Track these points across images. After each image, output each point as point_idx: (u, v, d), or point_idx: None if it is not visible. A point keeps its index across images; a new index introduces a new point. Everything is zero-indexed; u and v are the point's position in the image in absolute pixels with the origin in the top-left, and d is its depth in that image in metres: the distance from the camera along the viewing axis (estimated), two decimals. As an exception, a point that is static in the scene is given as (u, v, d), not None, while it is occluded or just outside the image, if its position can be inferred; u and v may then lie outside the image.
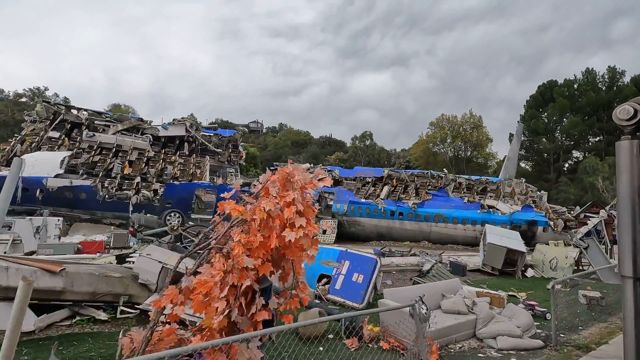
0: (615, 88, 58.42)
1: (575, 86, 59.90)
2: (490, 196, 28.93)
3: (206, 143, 27.20)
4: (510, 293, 10.30)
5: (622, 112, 1.95)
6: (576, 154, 64.68)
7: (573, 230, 16.10)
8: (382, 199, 28.19)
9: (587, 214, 16.06)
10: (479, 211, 25.35)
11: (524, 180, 30.12)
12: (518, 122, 63.20)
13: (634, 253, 1.90)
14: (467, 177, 31.18)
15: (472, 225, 25.25)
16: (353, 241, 29.49)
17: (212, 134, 27.78)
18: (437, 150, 79.49)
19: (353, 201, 28.32)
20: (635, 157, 1.91)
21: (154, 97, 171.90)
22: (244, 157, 28.41)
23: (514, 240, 13.84)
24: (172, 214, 21.71)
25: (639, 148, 1.91)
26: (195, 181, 23.06)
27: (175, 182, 22.36)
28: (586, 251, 14.80)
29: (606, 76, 59.67)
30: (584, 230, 15.35)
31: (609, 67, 59.67)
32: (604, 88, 59.41)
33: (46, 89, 74.70)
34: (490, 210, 25.28)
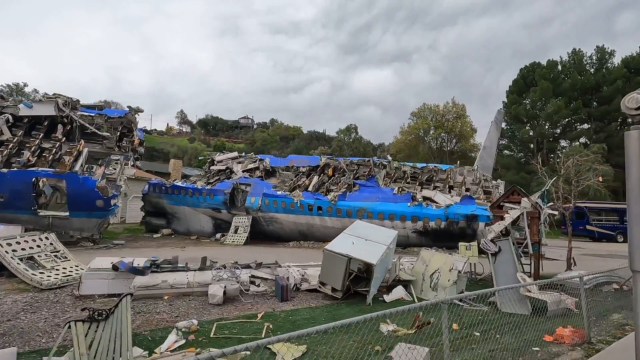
0: (604, 70, 53.14)
1: (560, 68, 54.59)
2: (436, 186, 24.15)
3: (86, 125, 22.49)
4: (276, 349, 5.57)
5: (630, 101, 1.86)
6: (564, 142, 59.65)
7: (487, 228, 11.32)
8: (299, 192, 23.41)
9: (508, 205, 11.24)
10: (409, 204, 20.53)
11: (477, 167, 25.27)
12: (499, 110, 58.07)
13: None
14: (411, 164, 26.34)
15: (401, 221, 20.43)
16: (272, 242, 24.78)
17: (94, 114, 23.01)
18: (419, 141, 75.00)
19: (267, 194, 23.58)
20: None
21: (154, 96, 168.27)
22: (138, 142, 23.61)
23: (373, 245, 9.06)
24: None
25: None
26: (38, 168, 18.34)
27: (4, 169, 17.61)
28: (494, 258, 10.01)
29: (594, 57, 54.34)
30: (497, 227, 10.54)
31: (597, 47, 54.40)
32: (592, 70, 54.10)
33: (25, 84, 70.36)
34: (422, 203, 20.45)
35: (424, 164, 26.44)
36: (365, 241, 9.27)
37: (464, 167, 25.33)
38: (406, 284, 9.61)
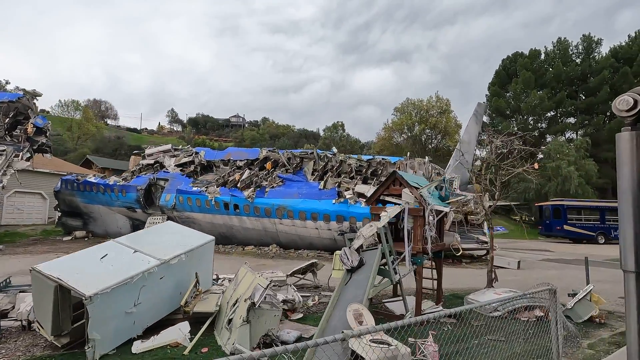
0: (591, 59, 49.91)
1: (543, 57, 51.30)
2: (379, 181, 20.95)
3: (-34, 110, 19.29)
4: None
5: (621, 103, 1.85)
6: (549, 138, 56.55)
7: (358, 233, 8.10)
8: (216, 188, 20.18)
9: (387, 199, 8.08)
10: (334, 201, 17.30)
11: (427, 159, 22.06)
12: (479, 102, 54.87)
13: (636, 247, 1.80)
14: (356, 156, 23.14)
15: (325, 221, 17.20)
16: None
17: (-23, 98, 19.80)
18: (402, 138, 72.07)
19: (181, 190, 20.36)
20: (636, 149, 1.80)
21: (154, 95, 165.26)
22: (33, 131, 20.36)
23: (137, 261, 5.84)
24: None
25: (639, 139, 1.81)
26: None
27: None
28: (349, 276, 6.81)
29: (580, 47, 51.10)
30: (367, 231, 7.37)
31: (583, 35, 51.14)
32: (577, 60, 50.85)
33: (7, 82, 68.11)
34: (348, 199, 17.22)
35: (371, 157, 23.23)
36: (133, 253, 6.04)
37: (414, 160, 22.10)
38: (207, 317, 6.36)
